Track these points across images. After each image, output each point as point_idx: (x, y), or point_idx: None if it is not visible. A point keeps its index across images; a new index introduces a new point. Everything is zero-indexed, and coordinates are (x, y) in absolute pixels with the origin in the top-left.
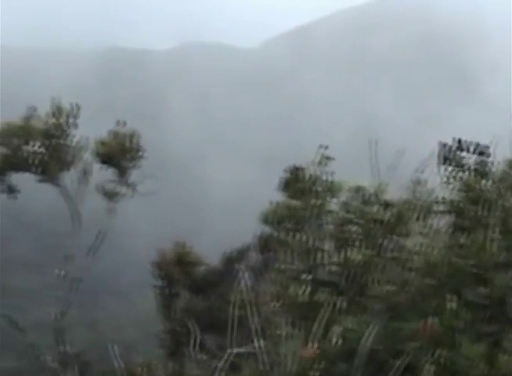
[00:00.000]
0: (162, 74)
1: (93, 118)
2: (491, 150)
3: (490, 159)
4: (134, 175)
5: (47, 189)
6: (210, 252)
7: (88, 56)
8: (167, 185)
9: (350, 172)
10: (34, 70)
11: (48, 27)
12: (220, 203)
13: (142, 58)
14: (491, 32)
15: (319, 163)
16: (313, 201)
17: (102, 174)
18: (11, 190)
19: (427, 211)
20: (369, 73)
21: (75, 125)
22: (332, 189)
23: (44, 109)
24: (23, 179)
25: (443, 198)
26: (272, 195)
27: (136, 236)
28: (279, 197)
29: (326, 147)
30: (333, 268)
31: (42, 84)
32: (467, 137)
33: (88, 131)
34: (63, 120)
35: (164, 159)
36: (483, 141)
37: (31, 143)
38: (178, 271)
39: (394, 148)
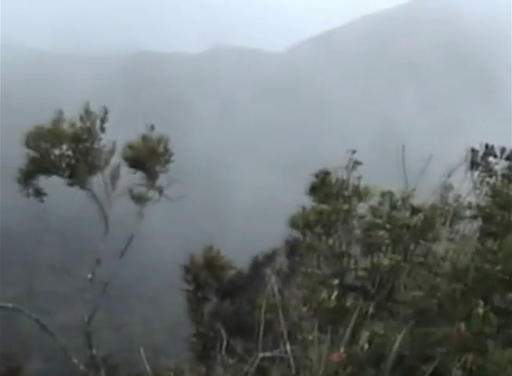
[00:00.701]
0: (189, 78)
1: (119, 122)
2: None
3: None
4: (161, 179)
5: (75, 192)
6: (234, 256)
7: (116, 60)
8: (191, 189)
9: (372, 177)
10: (62, 73)
11: (78, 32)
12: (243, 207)
13: (170, 62)
14: None
15: (348, 167)
16: (341, 206)
17: (129, 178)
18: (38, 193)
19: (454, 217)
20: (392, 77)
21: (103, 129)
22: (360, 194)
23: (72, 112)
24: (51, 183)
25: (471, 203)
26: (294, 199)
27: (162, 240)
28: (303, 201)
29: (354, 151)
30: (361, 273)
31: (70, 88)
32: (492, 141)
33: (114, 135)
34: (91, 123)
35: (187, 163)
36: (508, 145)
37: (60, 147)
38: (206, 275)
39: (417, 153)
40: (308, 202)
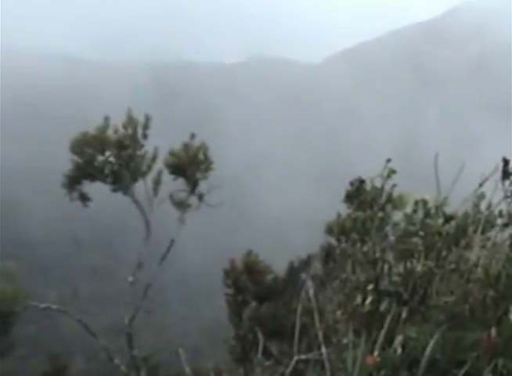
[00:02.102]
0: (222, 88)
1: (156, 130)
2: None
3: None
4: (201, 186)
5: (118, 198)
6: (268, 261)
7: (153, 69)
8: (225, 197)
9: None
10: (99, 82)
11: (116, 41)
12: (274, 215)
13: (206, 71)
14: None
15: (383, 176)
16: (376, 213)
17: (170, 184)
18: (83, 198)
19: (486, 224)
20: (417, 90)
21: (145, 136)
22: (394, 202)
23: (112, 120)
24: (95, 188)
25: (502, 211)
26: (323, 207)
27: (200, 245)
28: (331, 209)
29: (389, 160)
30: (396, 278)
31: (108, 96)
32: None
33: (151, 143)
34: (133, 130)
35: (220, 172)
36: None
37: (104, 153)
38: (246, 279)
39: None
40: (341, 209)
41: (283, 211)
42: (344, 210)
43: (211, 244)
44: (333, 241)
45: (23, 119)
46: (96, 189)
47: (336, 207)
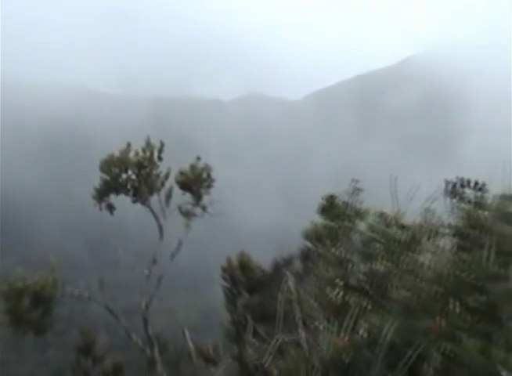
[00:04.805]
0: (199, 122)
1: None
2: (487, 187)
3: (486, 194)
4: (204, 200)
5: (138, 208)
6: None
7: (159, 102)
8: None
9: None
10: (117, 112)
11: (127, 77)
12: (254, 226)
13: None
14: (477, 101)
15: (351, 193)
16: (345, 223)
17: (179, 197)
18: (110, 208)
19: (435, 234)
20: (364, 128)
21: (160, 158)
22: (360, 214)
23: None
24: (119, 200)
25: (449, 224)
26: (292, 221)
27: (202, 246)
28: (299, 223)
29: (357, 181)
30: (361, 276)
31: (122, 125)
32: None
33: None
34: (151, 153)
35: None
36: None
37: (126, 172)
38: (240, 274)
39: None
40: (302, 221)
41: (258, 224)
42: (309, 220)
43: (211, 246)
44: (309, 245)
45: (38, 142)
46: (120, 200)
47: (298, 219)
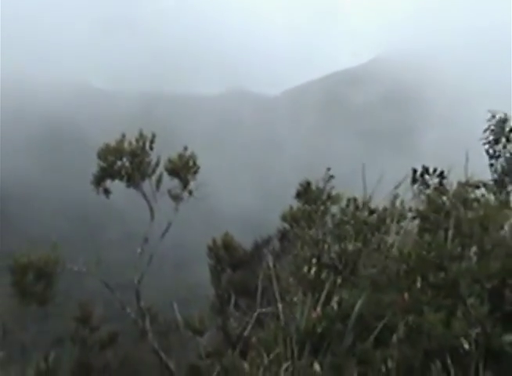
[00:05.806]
0: (186, 115)
1: None
2: (447, 175)
3: (446, 181)
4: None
5: (131, 192)
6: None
7: (140, 97)
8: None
9: None
10: (109, 106)
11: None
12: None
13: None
14: (433, 99)
15: (324, 179)
16: (319, 207)
17: (169, 183)
18: (106, 192)
19: (401, 217)
20: (338, 122)
21: (152, 148)
22: (333, 199)
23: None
24: (115, 185)
25: (413, 208)
26: (268, 205)
27: (189, 227)
28: (275, 207)
29: (329, 169)
30: (333, 255)
31: (114, 118)
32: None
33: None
34: (143, 143)
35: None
36: None
37: (121, 159)
38: (224, 253)
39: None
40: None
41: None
42: (282, 205)
43: (197, 227)
44: (286, 226)
45: (40, 136)
46: (115, 185)
47: (273, 203)
